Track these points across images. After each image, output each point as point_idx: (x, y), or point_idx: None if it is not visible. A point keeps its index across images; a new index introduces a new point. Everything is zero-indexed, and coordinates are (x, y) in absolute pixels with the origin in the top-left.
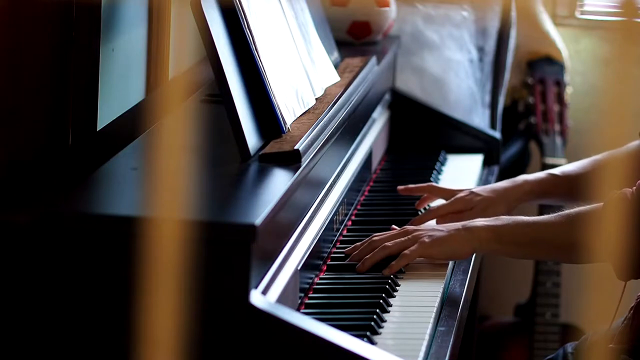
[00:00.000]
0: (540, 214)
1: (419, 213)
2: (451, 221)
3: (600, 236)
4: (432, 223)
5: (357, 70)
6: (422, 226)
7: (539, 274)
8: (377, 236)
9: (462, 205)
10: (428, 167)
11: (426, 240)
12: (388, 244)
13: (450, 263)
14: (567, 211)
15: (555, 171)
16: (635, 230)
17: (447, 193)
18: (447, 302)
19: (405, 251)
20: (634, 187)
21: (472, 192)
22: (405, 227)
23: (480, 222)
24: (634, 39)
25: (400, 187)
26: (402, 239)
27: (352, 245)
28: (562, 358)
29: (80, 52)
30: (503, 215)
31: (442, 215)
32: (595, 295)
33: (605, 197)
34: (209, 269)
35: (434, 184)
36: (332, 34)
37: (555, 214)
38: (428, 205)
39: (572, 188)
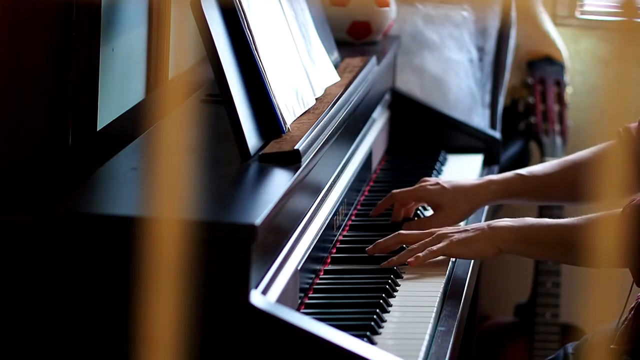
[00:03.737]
0: (540, 214)
1: (418, 214)
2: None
3: (619, 242)
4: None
5: (357, 70)
6: (449, 228)
7: (539, 274)
8: (405, 232)
9: (425, 194)
10: (428, 167)
11: (453, 239)
12: (414, 246)
13: (450, 263)
14: (589, 215)
15: (522, 171)
16: None
17: (411, 195)
18: (447, 302)
19: (432, 247)
20: None
21: (438, 184)
22: (432, 229)
23: (504, 222)
24: (634, 39)
25: (372, 213)
26: (428, 240)
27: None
28: (562, 358)
29: (80, 52)
30: (467, 214)
31: (405, 204)
32: (595, 295)
33: (622, 204)
34: (209, 269)
35: (395, 191)
36: (332, 34)
37: (579, 217)
38: (422, 210)
39: (538, 189)
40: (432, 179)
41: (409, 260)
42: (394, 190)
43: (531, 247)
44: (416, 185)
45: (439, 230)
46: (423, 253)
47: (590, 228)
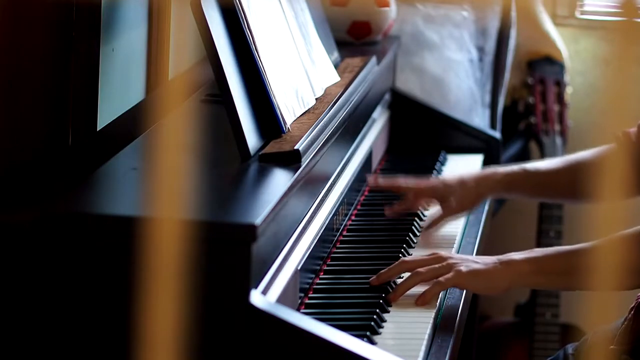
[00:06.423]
0: (540, 215)
1: (418, 214)
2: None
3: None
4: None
5: (357, 70)
6: (456, 255)
7: None
8: (408, 259)
9: (431, 193)
10: (428, 167)
11: (462, 269)
12: (421, 270)
13: None
14: (609, 236)
15: (527, 166)
16: None
17: (412, 190)
18: (447, 302)
19: (441, 279)
20: None
21: (442, 182)
22: (438, 253)
23: (517, 255)
24: (634, 39)
25: (369, 180)
26: (436, 265)
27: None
28: (562, 359)
29: (80, 52)
30: (474, 203)
31: (412, 204)
32: (595, 295)
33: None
34: (209, 269)
35: (400, 179)
36: (332, 34)
37: (587, 243)
38: (422, 214)
39: (541, 184)
40: (436, 179)
41: (416, 301)
42: (400, 181)
43: (550, 277)
44: (421, 184)
45: (447, 257)
46: (429, 289)
47: (605, 250)
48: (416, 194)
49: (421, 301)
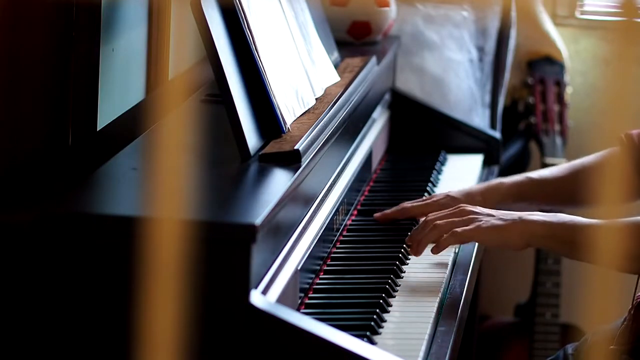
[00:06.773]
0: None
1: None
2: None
3: None
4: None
5: (357, 70)
6: (478, 209)
7: (539, 274)
8: (431, 215)
9: (437, 209)
10: (428, 167)
11: (482, 224)
12: (440, 222)
13: (450, 263)
14: (633, 218)
15: (533, 175)
16: None
17: (423, 210)
18: (447, 302)
19: (458, 229)
20: None
21: (448, 196)
22: (462, 206)
23: (537, 216)
24: (634, 39)
25: (376, 215)
26: (457, 219)
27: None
28: (562, 359)
29: (80, 52)
30: None
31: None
32: (595, 295)
33: (623, 211)
34: (209, 269)
35: (405, 203)
36: (332, 34)
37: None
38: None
39: (548, 192)
40: (442, 194)
41: (432, 249)
42: (405, 205)
43: (562, 245)
44: (428, 201)
45: (469, 211)
46: (445, 238)
47: (621, 232)
48: (423, 214)
49: (436, 250)
